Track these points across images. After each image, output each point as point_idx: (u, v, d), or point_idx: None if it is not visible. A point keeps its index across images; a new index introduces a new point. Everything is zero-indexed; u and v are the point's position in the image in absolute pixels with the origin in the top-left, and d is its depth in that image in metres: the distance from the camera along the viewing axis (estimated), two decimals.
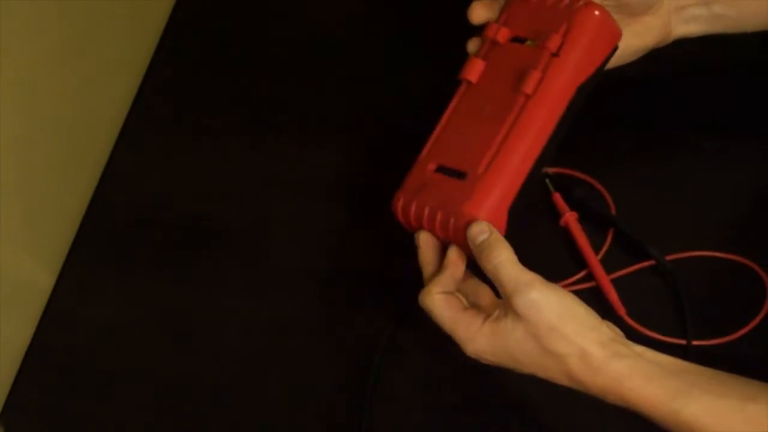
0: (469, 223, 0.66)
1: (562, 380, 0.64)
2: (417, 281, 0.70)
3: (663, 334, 0.76)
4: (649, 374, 0.61)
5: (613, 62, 0.73)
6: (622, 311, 0.77)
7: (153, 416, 0.82)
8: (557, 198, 0.82)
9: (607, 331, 0.64)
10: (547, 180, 0.83)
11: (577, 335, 0.62)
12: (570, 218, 0.81)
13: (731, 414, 0.60)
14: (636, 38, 0.75)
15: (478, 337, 0.65)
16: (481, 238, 0.65)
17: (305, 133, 0.93)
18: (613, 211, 0.82)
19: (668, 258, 0.79)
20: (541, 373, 0.64)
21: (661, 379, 0.61)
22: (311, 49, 0.97)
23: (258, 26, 0.99)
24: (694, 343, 0.76)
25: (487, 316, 0.65)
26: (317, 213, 0.88)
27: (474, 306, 0.68)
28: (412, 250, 0.71)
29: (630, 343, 0.64)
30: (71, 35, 0.88)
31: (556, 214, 0.82)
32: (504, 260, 0.64)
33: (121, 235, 0.91)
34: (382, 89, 0.93)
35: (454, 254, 0.68)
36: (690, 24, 0.77)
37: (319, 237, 0.87)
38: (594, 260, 0.79)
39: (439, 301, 0.67)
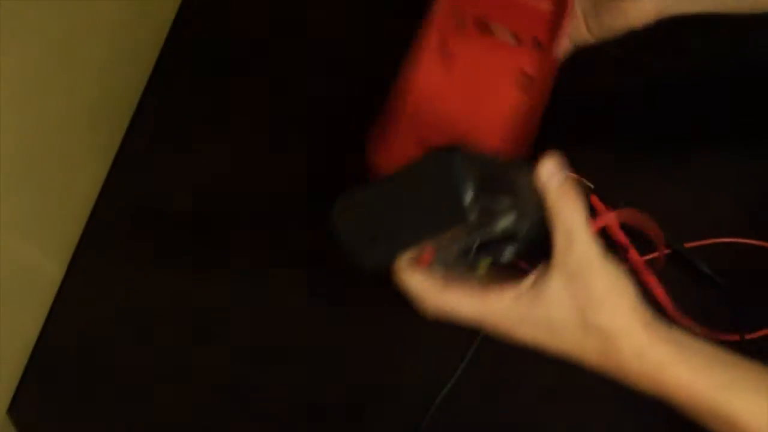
0: None
1: (594, 359, 0.58)
2: None
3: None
4: (693, 364, 0.57)
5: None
6: (670, 308, 0.77)
7: (161, 408, 0.82)
8: (595, 200, 0.81)
9: (650, 313, 0.58)
10: (584, 181, 0.82)
11: (624, 312, 0.57)
12: (609, 218, 0.80)
13: None
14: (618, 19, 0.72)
15: (514, 304, 0.58)
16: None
17: (307, 131, 0.91)
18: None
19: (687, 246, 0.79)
20: (575, 350, 0.58)
21: (705, 370, 0.57)
22: (312, 52, 0.95)
23: (263, 28, 0.98)
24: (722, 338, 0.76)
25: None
26: (318, 208, 0.87)
27: None
28: None
29: (670, 328, 0.58)
30: (81, 25, 0.87)
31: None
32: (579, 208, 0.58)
33: (129, 227, 0.90)
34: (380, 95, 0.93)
35: None
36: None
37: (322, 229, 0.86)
38: (638, 259, 0.79)
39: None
